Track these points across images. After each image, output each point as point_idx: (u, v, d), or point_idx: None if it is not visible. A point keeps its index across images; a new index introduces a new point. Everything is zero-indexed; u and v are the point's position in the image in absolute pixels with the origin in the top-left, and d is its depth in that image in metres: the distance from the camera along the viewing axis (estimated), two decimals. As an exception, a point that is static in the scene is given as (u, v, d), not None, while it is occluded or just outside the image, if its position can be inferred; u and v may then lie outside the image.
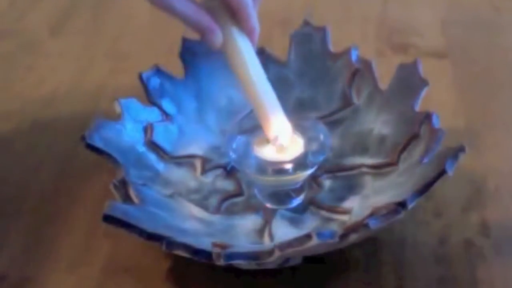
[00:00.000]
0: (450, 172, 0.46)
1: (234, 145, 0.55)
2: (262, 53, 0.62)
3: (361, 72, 0.60)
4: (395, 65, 0.58)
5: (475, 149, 0.59)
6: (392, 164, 0.54)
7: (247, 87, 0.53)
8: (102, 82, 0.72)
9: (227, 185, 0.57)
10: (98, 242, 0.54)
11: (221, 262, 0.45)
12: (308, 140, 0.54)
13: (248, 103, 0.54)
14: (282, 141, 0.54)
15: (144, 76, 0.59)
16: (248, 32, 0.53)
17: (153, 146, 0.57)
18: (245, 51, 0.53)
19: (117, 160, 0.53)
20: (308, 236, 0.44)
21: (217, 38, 0.52)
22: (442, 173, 0.46)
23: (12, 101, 0.70)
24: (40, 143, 0.64)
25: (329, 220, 0.53)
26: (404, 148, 0.54)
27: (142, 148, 0.56)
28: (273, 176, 0.53)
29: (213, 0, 0.53)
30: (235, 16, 0.53)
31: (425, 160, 0.51)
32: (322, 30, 0.63)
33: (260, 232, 0.53)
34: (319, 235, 0.44)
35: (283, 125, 0.54)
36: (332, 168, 0.57)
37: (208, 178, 0.57)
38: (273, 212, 0.54)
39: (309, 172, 0.54)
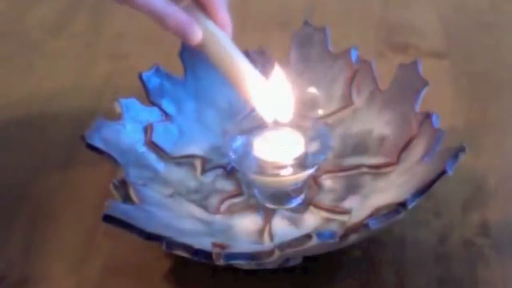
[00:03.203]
0: (450, 172, 0.46)
1: (234, 145, 0.55)
2: (262, 54, 0.62)
3: (361, 72, 0.60)
4: (395, 65, 0.58)
5: (475, 149, 0.58)
6: (392, 164, 0.54)
7: (233, 71, 0.53)
8: (102, 82, 0.72)
9: (227, 185, 0.57)
10: (98, 242, 0.54)
11: (221, 262, 0.45)
12: (308, 140, 0.54)
13: (239, 92, 0.54)
14: (282, 118, 0.53)
15: (144, 76, 0.59)
16: (221, 26, 0.54)
17: (153, 146, 0.57)
18: (225, 40, 0.53)
19: (117, 160, 0.53)
20: (308, 236, 0.44)
21: (198, 32, 0.52)
22: (442, 173, 0.46)
23: (12, 102, 0.70)
24: (40, 143, 0.64)
25: (329, 220, 0.53)
26: (404, 148, 0.54)
27: (142, 148, 0.56)
28: (273, 176, 0.53)
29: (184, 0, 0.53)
30: (206, 12, 0.53)
31: (425, 160, 0.51)
32: (322, 31, 0.63)
33: (260, 232, 0.53)
34: (319, 235, 0.44)
35: (279, 99, 0.54)
36: (332, 168, 0.57)
37: (208, 178, 0.57)
38: (273, 212, 0.54)
39: (309, 172, 0.54)
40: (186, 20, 0.52)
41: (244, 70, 0.53)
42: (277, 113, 0.54)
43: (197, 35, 0.52)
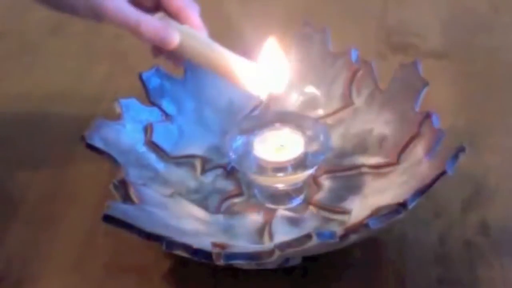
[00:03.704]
0: (450, 172, 0.46)
1: (234, 145, 0.55)
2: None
3: (361, 72, 0.60)
4: (395, 65, 0.58)
5: (475, 149, 0.58)
6: (392, 164, 0.54)
7: (217, 61, 0.53)
8: (102, 82, 0.72)
9: (227, 185, 0.57)
10: (98, 242, 0.54)
11: (221, 262, 0.45)
12: (308, 140, 0.54)
13: (228, 79, 0.54)
14: (275, 90, 0.53)
15: (144, 76, 0.59)
16: (196, 30, 0.55)
17: (153, 146, 0.57)
18: (202, 37, 0.54)
19: (117, 160, 0.53)
20: (308, 236, 0.44)
21: (175, 34, 0.53)
22: (442, 173, 0.46)
23: (12, 101, 0.70)
24: (40, 143, 0.64)
25: (329, 220, 0.53)
26: (404, 148, 0.54)
27: (142, 148, 0.56)
28: (273, 176, 0.53)
29: (158, 13, 0.54)
30: (179, 21, 0.54)
31: (425, 160, 0.51)
32: (322, 31, 0.63)
33: (260, 232, 0.53)
34: (319, 235, 0.44)
35: (270, 73, 0.53)
36: (332, 168, 0.57)
37: (208, 178, 0.57)
38: (273, 212, 0.54)
39: (309, 172, 0.54)
40: (161, 25, 0.53)
41: (227, 57, 0.53)
42: (270, 88, 0.53)
43: (174, 38, 0.53)
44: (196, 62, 0.54)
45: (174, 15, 0.54)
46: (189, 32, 0.54)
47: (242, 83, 0.53)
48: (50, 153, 0.63)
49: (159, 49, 0.55)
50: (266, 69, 0.53)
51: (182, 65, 0.58)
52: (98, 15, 0.52)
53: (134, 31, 0.52)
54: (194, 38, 0.54)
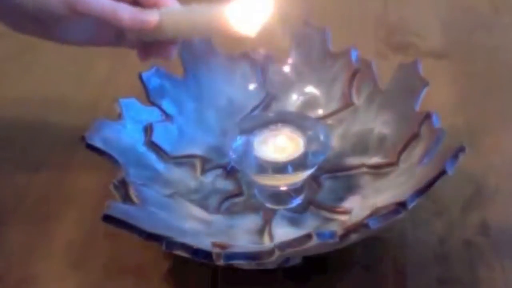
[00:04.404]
0: (450, 172, 0.46)
1: (234, 145, 0.55)
2: (262, 55, 0.62)
3: (361, 72, 0.60)
4: (395, 65, 0.58)
5: (475, 149, 0.58)
6: (392, 164, 0.54)
7: (201, 20, 0.53)
8: (102, 82, 0.72)
9: (227, 185, 0.57)
10: (98, 242, 0.54)
11: (221, 262, 0.45)
12: (308, 140, 0.54)
13: (218, 33, 0.54)
14: (262, 21, 0.52)
15: (144, 76, 0.59)
16: None
17: (153, 146, 0.57)
18: (179, 7, 0.54)
19: (117, 160, 0.52)
20: (308, 236, 0.44)
21: (153, 13, 0.53)
22: (442, 173, 0.46)
23: (12, 101, 0.70)
24: (40, 143, 0.64)
25: (329, 220, 0.53)
26: (404, 148, 0.54)
27: (142, 148, 0.56)
28: (273, 176, 0.53)
29: None
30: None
31: (425, 160, 0.51)
32: (323, 31, 0.63)
33: (260, 232, 0.53)
34: (319, 235, 0.44)
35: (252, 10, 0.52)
36: (332, 168, 0.57)
37: (208, 178, 0.57)
38: (273, 212, 0.54)
39: (309, 172, 0.54)
40: (138, 9, 0.53)
41: (210, 12, 0.52)
42: (257, 21, 0.52)
43: (153, 16, 0.53)
44: (182, 34, 0.54)
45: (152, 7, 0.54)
46: (166, 9, 0.54)
47: (233, 29, 0.52)
48: (50, 153, 0.63)
49: (145, 51, 0.55)
50: (248, 4, 0.52)
51: (172, 58, 0.57)
52: (73, 8, 0.52)
53: (113, 18, 0.52)
54: (173, 11, 0.54)
